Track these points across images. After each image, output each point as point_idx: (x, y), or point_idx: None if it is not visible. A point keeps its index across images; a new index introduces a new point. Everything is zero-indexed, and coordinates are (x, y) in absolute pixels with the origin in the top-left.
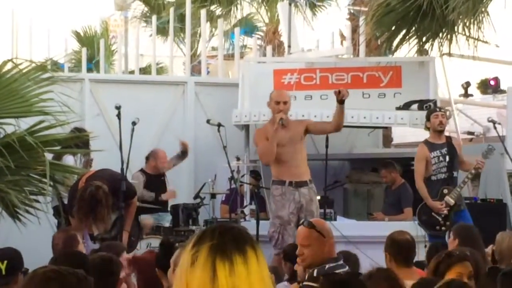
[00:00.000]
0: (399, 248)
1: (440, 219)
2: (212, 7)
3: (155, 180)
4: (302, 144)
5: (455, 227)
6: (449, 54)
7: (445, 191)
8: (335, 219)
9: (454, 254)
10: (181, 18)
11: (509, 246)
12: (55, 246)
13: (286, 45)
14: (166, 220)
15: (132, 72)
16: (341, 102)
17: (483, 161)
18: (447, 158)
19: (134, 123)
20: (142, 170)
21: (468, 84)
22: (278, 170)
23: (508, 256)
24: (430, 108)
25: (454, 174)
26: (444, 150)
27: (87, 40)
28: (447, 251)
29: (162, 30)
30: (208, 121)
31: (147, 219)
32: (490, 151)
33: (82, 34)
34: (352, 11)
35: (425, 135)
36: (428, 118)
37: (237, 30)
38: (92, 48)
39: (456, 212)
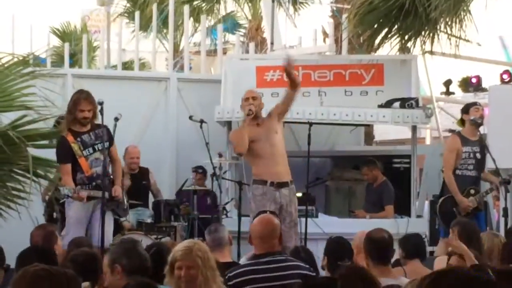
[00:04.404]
0: (375, 246)
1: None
2: (196, 3)
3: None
4: (280, 136)
5: (455, 222)
6: (431, 52)
7: (472, 191)
8: (316, 216)
9: None
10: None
11: (491, 246)
12: (34, 243)
13: (269, 42)
14: (148, 216)
15: (114, 68)
16: (288, 74)
17: None
18: (477, 157)
19: (116, 119)
20: None
21: (449, 82)
22: (258, 169)
23: (488, 255)
24: (468, 104)
25: (480, 175)
26: (475, 148)
27: (67, 37)
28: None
29: (144, 26)
30: (190, 117)
31: (126, 222)
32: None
33: (61, 30)
34: (334, 8)
35: (407, 132)
36: (466, 111)
37: (219, 26)
38: (72, 43)
39: (476, 214)
